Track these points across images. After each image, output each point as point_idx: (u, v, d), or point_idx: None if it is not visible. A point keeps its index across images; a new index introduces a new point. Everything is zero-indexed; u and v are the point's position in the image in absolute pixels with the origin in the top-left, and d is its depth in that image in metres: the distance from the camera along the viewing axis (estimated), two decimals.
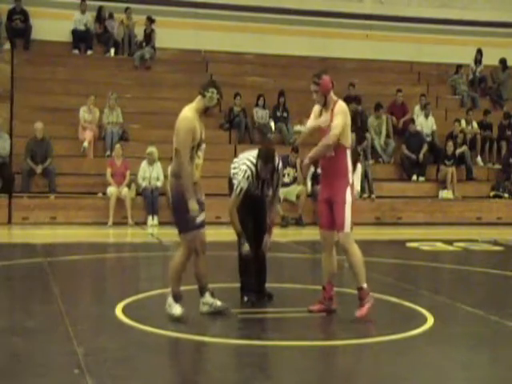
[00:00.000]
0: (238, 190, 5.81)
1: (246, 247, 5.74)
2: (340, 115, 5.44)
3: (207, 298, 5.42)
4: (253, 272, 5.93)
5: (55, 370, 4.14)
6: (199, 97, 5.28)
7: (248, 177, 5.80)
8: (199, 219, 5.22)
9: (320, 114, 5.54)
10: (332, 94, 5.50)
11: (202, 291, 5.44)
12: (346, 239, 5.38)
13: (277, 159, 5.83)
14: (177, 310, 5.17)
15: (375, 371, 4.33)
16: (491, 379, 4.30)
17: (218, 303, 5.44)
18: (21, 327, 5.09)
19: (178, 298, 5.21)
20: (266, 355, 4.68)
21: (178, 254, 5.25)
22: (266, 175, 5.79)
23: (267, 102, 14.36)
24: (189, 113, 5.18)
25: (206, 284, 5.43)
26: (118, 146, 12.42)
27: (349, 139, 5.49)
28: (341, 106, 5.52)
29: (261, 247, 5.94)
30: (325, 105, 5.49)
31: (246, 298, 5.82)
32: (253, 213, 5.92)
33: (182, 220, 5.17)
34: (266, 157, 5.74)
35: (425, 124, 14.79)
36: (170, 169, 5.31)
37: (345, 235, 5.38)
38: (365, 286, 5.39)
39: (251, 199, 5.89)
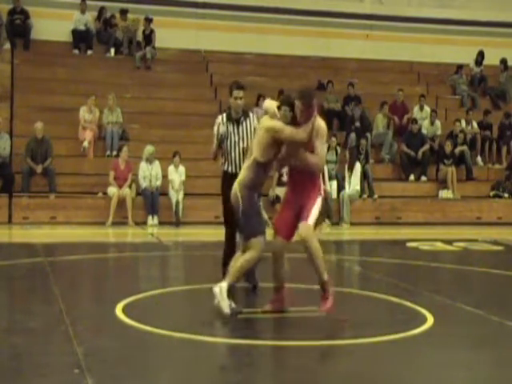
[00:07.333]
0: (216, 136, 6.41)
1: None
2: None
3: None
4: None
5: (55, 369, 4.14)
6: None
7: (219, 124, 6.37)
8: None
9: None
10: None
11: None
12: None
13: (251, 114, 6.40)
14: (228, 307, 5.17)
15: (375, 371, 4.32)
16: (492, 379, 4.30)
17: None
18: (21, 327, 5.08)
19: (231, 292, 5.22)
20: (266, 355, 4.68)
21: (247, 255, 5.25)
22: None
23: None
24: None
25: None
26: (125, 149, 12.29)
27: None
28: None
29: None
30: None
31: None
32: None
33: (252, 226, 5.25)
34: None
35: (430, 129, 14.80)
36: (241, 179, 5.34)
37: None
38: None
39: (235, 178, 5.96)
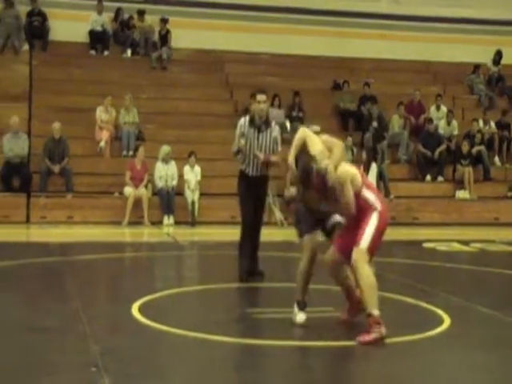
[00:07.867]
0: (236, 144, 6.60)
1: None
2: None
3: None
4: (247, 253, 6.60)
5: (72, 368, 4.17)
6: None
7: (240, 127, 6.55)
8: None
9: None
10: None
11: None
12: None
13: (273, 123, 6.66)
14: (301, 317, 5.14)
15: (391, 372, 4.31)
16: (509, 381, 4.27)
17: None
18: (37, 326, 5.12)
19: (302, 305, 5.18)
20: (281, 355, 4.67)
21: (301, 262, 5.20)
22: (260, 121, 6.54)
23: (282, 102, 14.35)
24: None
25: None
26: (141, 149, 12.38)
27: None
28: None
29: (257, 229, 6.70)
30: None
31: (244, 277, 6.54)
32: (253, 196, 6.59)
33: (301, 226, 5.24)
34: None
35: (447, 129, 14.73)
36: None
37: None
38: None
39: (252, 180, 6.58)
